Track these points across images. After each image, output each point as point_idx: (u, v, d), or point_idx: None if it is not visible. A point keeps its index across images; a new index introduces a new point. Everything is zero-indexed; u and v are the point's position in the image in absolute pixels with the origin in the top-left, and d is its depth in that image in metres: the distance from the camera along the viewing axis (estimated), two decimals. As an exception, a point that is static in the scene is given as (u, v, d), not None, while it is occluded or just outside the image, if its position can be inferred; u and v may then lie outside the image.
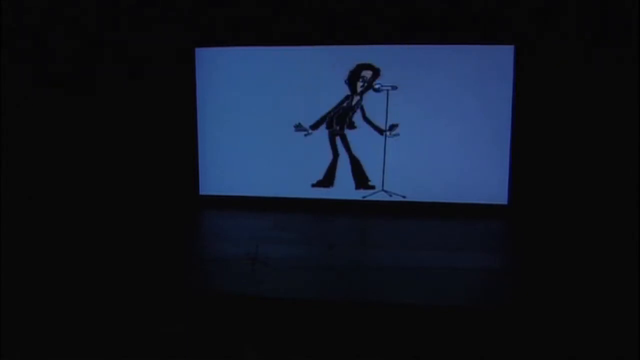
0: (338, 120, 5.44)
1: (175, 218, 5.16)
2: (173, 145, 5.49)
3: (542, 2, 4.90)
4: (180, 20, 5.32)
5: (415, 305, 3.21)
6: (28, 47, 5.21)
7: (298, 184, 5.55)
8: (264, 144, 5.54)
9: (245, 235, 4.60)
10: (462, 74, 5.21)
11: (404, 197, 5.42)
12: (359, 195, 5.50)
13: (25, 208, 4.88)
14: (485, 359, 2.95)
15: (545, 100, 4.97)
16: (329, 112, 5.44)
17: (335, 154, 5.48)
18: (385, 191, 5.44)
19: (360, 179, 5.48)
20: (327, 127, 5.46)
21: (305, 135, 5.42)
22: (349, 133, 5.45)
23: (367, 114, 5.39)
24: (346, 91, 5.38)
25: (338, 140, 5.47)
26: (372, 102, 5.37)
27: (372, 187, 5.47)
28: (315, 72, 5.39)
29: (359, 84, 5.35)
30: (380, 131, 5.37)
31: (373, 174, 5.46)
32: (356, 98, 5.38)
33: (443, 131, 5.30)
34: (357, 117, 5.42)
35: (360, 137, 5.45)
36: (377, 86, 5.31)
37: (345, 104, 5.40)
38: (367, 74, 5.33)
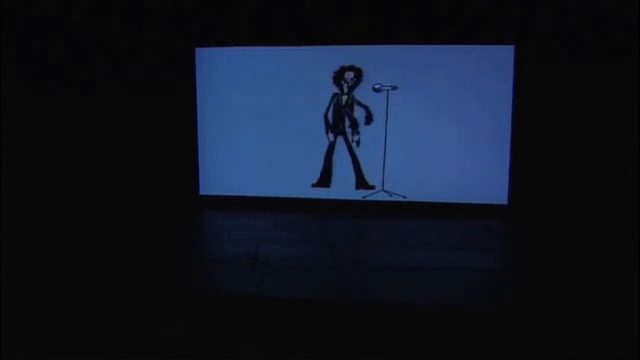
0: (337, 120, 5.45)
1: (175, 218, 5.16)
2: (173, 145, 5.49)
3: (542, 2, 4.90)
4: (181, 20, 5.32)
5: (415, 305, 3.21)
6: (28, 47, 5.21)
7: (298, 184, 5.55)
8: (264, 144, 5.54)
9: (245, 235, 4.60)
10: (462, 74, 5.21)
11: (404, 197, 5.42)
12: (359, 195, 5.50)
13: (25, 208, 4.88)
14: (485, 359, 2.95)
15: (545, 100, 4.97)
16: (326, 113, 5.44)
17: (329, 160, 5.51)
18: (386, 191, 5.44)
19: (361, 178, 5.48)
20: (328, 128, 5.46)
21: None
22: (348, 133, 5.47)
23: (362, 101, 5.40)
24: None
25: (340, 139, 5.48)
26: (372, 102, 5.37)
27: (372, 187, 5.47)
28: (315, 72, 5.40)
29: (344, 84, 5.36)
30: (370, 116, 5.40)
31: (373, 174, 5.46)
32: (345, 97, 5.39)
33: (443, 131, 5.30)
34: (357, 116, 5.43)
35: (360, 137, 5.45)
36: (377, 86, 5.31)
37: (337, 104, 5.40)
38: (349, 75, 5.35)
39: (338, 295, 3.45)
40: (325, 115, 5.45)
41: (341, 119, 5.45)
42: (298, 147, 5.50)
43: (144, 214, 5.11)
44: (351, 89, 5.38)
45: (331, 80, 5.40)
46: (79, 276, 3.59)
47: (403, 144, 5.38)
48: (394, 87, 5.30)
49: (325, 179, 5.51)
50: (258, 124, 5.54)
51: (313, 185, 5.54)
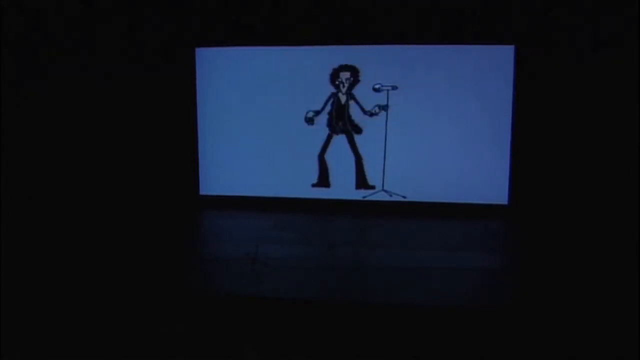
0: (338, 119, 5.45)
1: (175, 218, 5.16)
2: (173, 145, 5.49)
3: (543, 2, 4.90)
4: (181, 20, 5.32)
5: (415, 305, 3.21)
6: (28, 47, 5.21)
7: (298, 184, 5.55)
8: (264, 144, 5.54)
9: (245, 235, 4.60)
10: (462, 74, 5.21)
11: (404, 197, 5.42)
12: (359, 195, 5.50)
13: (25, 208, 4.88)
14: (485, 359, 2.95)
15: (545, 100, 4.97)
16: (324, 109, 5.44)
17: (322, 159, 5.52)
18: (386, 191, 5.44)
19: (362, 178, 5.48)
20: (330, 128, 5.47)
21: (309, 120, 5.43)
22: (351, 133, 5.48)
23: (360, 103, 5.40)
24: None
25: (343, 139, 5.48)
26: (372, 102, 5.37)
27: (372, 187, 5.47)
28: (315, 72, 5.40)
29: (340, 84, 5.37)
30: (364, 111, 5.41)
31: (373, 174, 5.46)
32: (344, 97, 5.40)
33: (443, 131, 5.30)
34: (355, 114, 5.43)
35: (360, 138, 5.45)
36: (377, 86, 5.31)
37: (337, 103, 5.41)
38: (345, 75, 5.35)
39: (338, 295, 3.45)
40: (329, 113, 5.45)
41: (341, 118, 5.45)
42: (298, 147, 5.50)
43: (144, 213, 5.11)
44: (349, 88, 5.37)
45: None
46: (79, 276, 3.59)
47: (403, 144, 5.38)
48: (394, 87, 5.30)
49: (323, 179, 5.51)
50: (258, 124, 5.54)
51: (313, 185, 5.54)
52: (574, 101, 4.89)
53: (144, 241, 4.36)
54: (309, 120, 5.43)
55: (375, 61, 5.31)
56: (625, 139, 4.72)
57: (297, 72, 5.42)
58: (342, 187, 5.50)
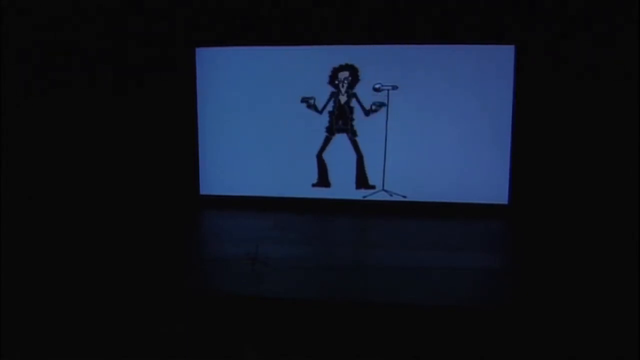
0: (338, 118, 5.45)
1: (175, 218, 5.16)
2: (173, 145, 5.49)
3: (543, 2, 4.90)
4: (181, 20, 5.32)
5: (415, 305, 3.21)
6: (28, 47, 5.21)
7: (298, 184, 5.55)
8: (264, 144, 5.54)
9: (245, 235, 4.59)
10: (462, 74, 5.21)
11: (404, 196, 5.42)
12: (359, 195, 5.50)
13: (25, 208, 4.88)
14: (485, 359, 2.95)
15: (545, 100, 4.97)
16: (326, 107, 5.44)
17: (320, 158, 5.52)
18: (386, 191, 5.44)
19: (363, 177, 5.48)
20: (331, 128, 5.47)
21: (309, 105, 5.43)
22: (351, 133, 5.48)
23: (361, 102, 5.41)
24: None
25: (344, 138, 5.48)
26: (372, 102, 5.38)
27: (373, 187, 5.47)
28: (315, 72, 5.40)
29: (340, 85, 5.36)
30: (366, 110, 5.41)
31: (373, 174, 5.46)
32: (344, 97, 5.40)
33: (443, 131, 5.30)
34: (356, 114, 5.43)
35: (361, 137, 5.45)
36: (377, 86, 5.31)
37: (337, 103, 5.41)
38: (344, 74, 5.35)
39: (338, 295, 3.45)
40: (330, 113, 5.45)
41: (342, 117, 5.45)
42: (298, 147, 5.50)
43: (145, 213, 5.11)
44: (349, 87, 5.37)
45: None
46: (79, 276, 3.59)
47: (403, 144, 5.38)
48: (395, 87, 5.30)
49: (323, 178, 5.51)
50: (258, 124, 5.54)
51: (313, 185, 5.54)
52: (574, 101, 4.89)
53: (144, 241, 4.37)
54: (311, 106, 5.42)
55: (376, 61, 5.31)
56: (625, 139, 4.72)
57: (297, 72, 5.42)
58: (343, 187, 5.50)
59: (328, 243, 4.72)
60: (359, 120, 5.43)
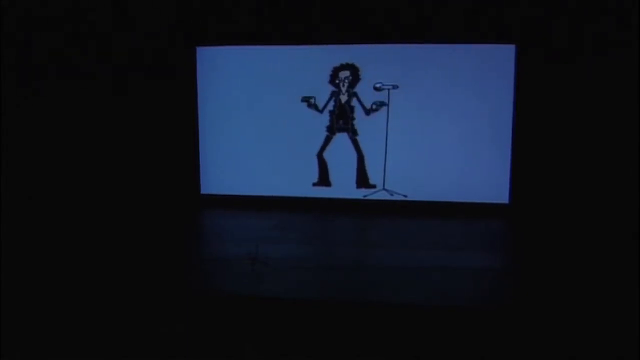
0: (339, 118, 5.45)
1: (176, 217, 5.16)
2: (174, 144, 5.49)
3: (543, 2, 4.89)
4: (181, 20, 5.32)
5: (415, 305, 3.21)
6: (28, 47, 5.21)
7: (299, 183, 5.55)
8: (265, 143, 5.54)
9: (245, 235, 4.60)
10: (463, 74, 5.21)
11: (404, 196, 5.42)
12: (360, 194, 5.50)
13: (25, 208, 4.88)
14: (485, 359, 2.95)
15: (545, 99, 4.96)
16: (327, 106, 5.44)
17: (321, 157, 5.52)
18: (386, 190, 5.44)
19: (363, 177, 5.47)
20: (332, 127, 5.47)
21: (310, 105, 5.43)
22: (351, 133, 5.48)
23: (362, 101, 5.40)
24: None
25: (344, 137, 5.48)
26: (373, 101, 5.37)
27: (373, 186, 5.47)
28: (315, 72, 5.40)
29: (340, 84, 5.36)
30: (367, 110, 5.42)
31: (374, 173, 5.46)
32: (344, 97, 5.40)
33: (444, 130, 5.30)
34: (357, 113, 5.43)
35: (361, 137, 5.45)
36: (378, 85, 5.31)
37: (338, 102, 5.40)
38: (344, 74, 5.35)
39: (338, 295, 3.45)
40: (331, 112, 5.45)
41: (342, 116, 5.45)
42: (298, 146, 5.50)
43: (145, 213, 5.12)
44: (349, 86, 5.37)
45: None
46: (79, 276, 3.59)
47: (404, 143, 5.38)
48: (395, 87, 5.30)
49: (323, 178, 5.51)
50: (258, 124, 5.54)
51: (314, 185, 5.54)
52: (574, 101, 4.89)
53: (144, 240, 4.37)
54: (312, 106, 5.42)
55: (376, 60, 5.31)
56: (625, 138, 4.71)
57: (297, 72, 5.42)
58: (343, 186, 5.51)
59: (328, 243, 4.72)
60: (360, 119, 5.43)
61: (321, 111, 5.46)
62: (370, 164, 5.47)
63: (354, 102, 5.41)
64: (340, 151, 5.49)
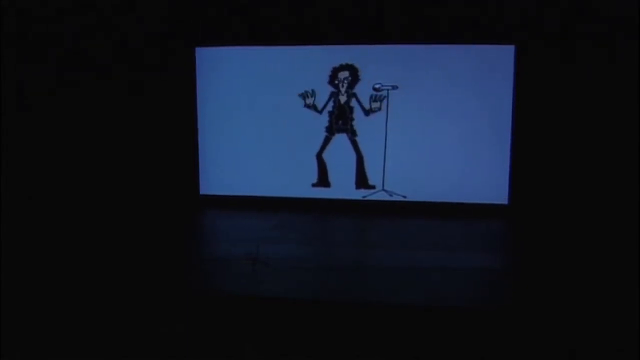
0: (338, 118, 5.45)
1: (175, 218, 5.16)
2: (173, 145, 5.49)
3: (543, 2, 4.90)
4: (181, 20, 5.32)
5: (415, 305, 3.21)
6: (28, 47, 5.21)
7: (298, 184, 5.55)
8: (264, 143, 5.55)
9: (245, 235, 4.60)
10: (462, 74, 5.21)
11: (404, 196, 5.42)
12: (359, 195, 5.50)
13: (25, 208, 4.88)
14: (485, 359, 2.95)
15: (545, 100, 4.97)
16: (326, 107, 5.44)
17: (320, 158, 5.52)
18: (386, 191, 5.44)
19: (363, 177, 5.47)
20: (331, 128, 5.47)
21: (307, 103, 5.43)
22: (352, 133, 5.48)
23: (361, 102, 5.40)
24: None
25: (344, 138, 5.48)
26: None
27: (373, 187, 5.47)
28: (315, 72, 5.40)
29: (339, 85, 5.36)
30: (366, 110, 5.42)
31: (373, 174, 5.46)
32: (344, 97, 5.40)
33: (443, 131, 5.30)
34: (356, 114, 5.43)
35: (361, 137, 5.46)
36: (377, 86, 5.31)
37: (337, 103, 5.40)
38: (344, 74, 5.35)
39: (338, 295, 3.44)
40: (330, 113, 5.45)
41: (341, 117, 5.45)
42: (298, 147, 5.50)
43: (145, 213, 5.12)
44: (349, 87, 5.38)
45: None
46: (79, 276, 3.59)
47: (403, 144, 5.38)
48: (395, 87, 5.30)
49: (323, 178, 5.51)
50: (258, 124, 5.54)
51: (313, 185, 5.54)
52: (574, 101, 4.89)
53: (144, 241, 4.36)
54: (311, 106, 5.42)
55: (376, 61, 5.32)
56: (625, 138, 4.72)
57: (297, 72, 5.42)
58: (343, 187, 5.50)
59: (328, 243, 4.72)
60: (359, 120, 5.43)
61: (320, 112, 5.46)
62: (370, 165, 5.47)
63: (353, 102, 5.41)
64: (340, 152, 5.49)
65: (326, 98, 5.44)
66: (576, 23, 4.84)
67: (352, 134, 5.46)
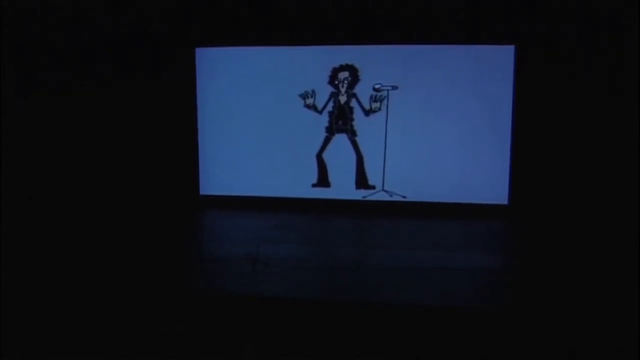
0: (338, 118, 5.45)
1: (175, 218, 5.16)
2: (174, 145, 5.49)
3: (543, 2, 4.90)
4: (181, 20, 5.32)
5: (415, 305, 3.21)
6: (28, 48, 5.21)
7: (298, 184, 5.55)
8: (264, 143, 5.55)
9: (245, 235, 4.60)
10: (462, 74, 5.21)
11: (404, 197, 5.42)
12: (359, 195, 5.50)
13: (25, 208, 4.88)
14: (485, 359, 2.95)
15: (545, 100, 4.97)
16: (326, 107, 5.44)
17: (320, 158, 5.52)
18: (386, 191, 5.44)
19: (363, 177, 5.48)
20: (331, 128, 5.47)
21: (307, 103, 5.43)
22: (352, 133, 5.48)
23: (361, 102, 5.40)
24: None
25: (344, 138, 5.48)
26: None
27: (372, 187, 5.47)
28: (315, 72, 5.40)
29: (339, 85, 5.37)
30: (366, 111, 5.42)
31: (373, 174, 5.46)
32: (344, 97, 5.40)
33: (443, 131, 5.30)
34: (356, 114, 5.43)
35: (360, 137, 5.46)
36: (377, 86, 5.31)
37: (337, 103, 5.41)
38: (344, 74, 5.35)
39: (338, 295, 3.45)
40: (330, 113, 5.45)
41: (341, 117, 5.45)
42: (298, 147, 5.50)
43: (145, 213, 5.12)
44: (349, 87, 5.38)
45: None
46: (79, 276, 3.59)
47: (403, 144, 5.38)
48: (394, 87, 5.30)
49: (323, 178, 5.52)
50: (258, 124, 5.54)
51: (313, 185, 5.54)
52: (573, 101, 4.89)
53: (144, 241, 4.36)
54: (311, 107, 5.42)
55: (376, 61, 5.32)
56: (625, 138, 4.72)
57: (297, 72, 5.42)
58: (342, 187, 5.51)
59: (328, 243, 4.72)
60: (359, 120, 5.44)
61: (320, 112, 5.46)
62: (370, 165, 5.47)
63: (353, 102, 5.41)
64: (340, 152, 5.49)
65: (326, 98, 5.44)
66: (576, 23, 4.84)
67: (352, 134, 5.46)
